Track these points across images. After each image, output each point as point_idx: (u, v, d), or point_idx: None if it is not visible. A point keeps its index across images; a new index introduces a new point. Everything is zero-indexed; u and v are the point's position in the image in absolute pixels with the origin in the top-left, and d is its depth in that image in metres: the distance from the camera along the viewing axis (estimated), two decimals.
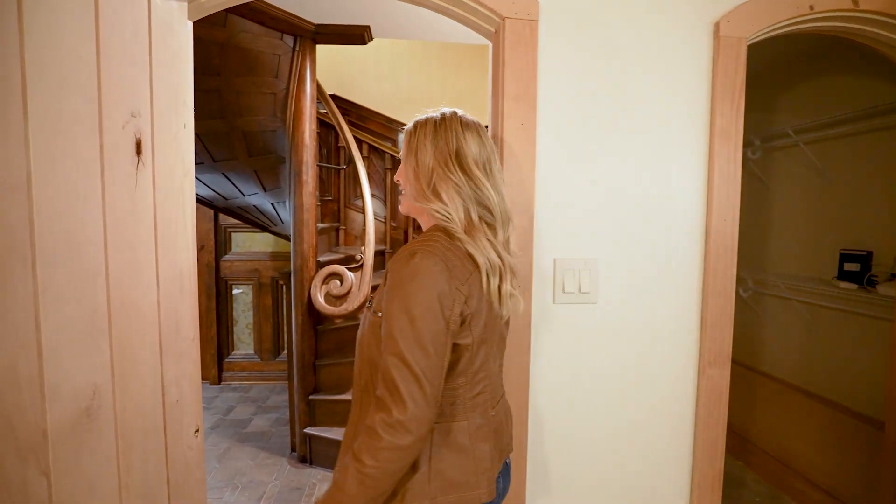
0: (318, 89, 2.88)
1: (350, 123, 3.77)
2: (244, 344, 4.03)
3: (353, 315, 2.63)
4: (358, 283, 2.58)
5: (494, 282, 0.85)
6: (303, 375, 2.64)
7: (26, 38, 0.71)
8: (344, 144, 3.89)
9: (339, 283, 2.59)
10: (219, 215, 3.87)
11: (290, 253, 2.71)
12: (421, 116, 0.92)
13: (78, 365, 0.81)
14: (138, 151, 0.94)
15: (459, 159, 0.86)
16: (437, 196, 0.85)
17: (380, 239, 3.79)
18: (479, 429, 0.86)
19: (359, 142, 3.72)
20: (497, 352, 0.93)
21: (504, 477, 0.95)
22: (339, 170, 3.87)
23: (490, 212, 0.88)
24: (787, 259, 2.36)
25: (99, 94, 0.82)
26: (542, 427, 1.29)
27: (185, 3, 1.08)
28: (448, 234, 0.85)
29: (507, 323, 0.99)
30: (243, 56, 2.37)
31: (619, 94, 1.26)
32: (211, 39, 2.29)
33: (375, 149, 3.82)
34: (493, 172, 0.90)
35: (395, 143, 4.05)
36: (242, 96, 2.46)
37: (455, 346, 0.82)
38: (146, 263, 0.97)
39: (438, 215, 0.85)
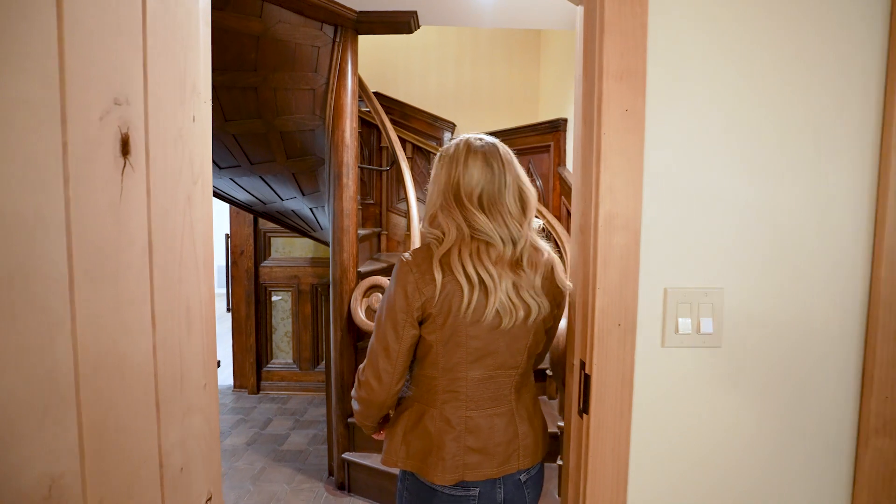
0: (360, 84, 2.67)
1: (392, 122, 3.55)
2: (283, 353, 3.90)
3: None
4: None
5: (475, 295, 0.95)
6: (341, 396, 2.42)
7: None
8: (387, 144, 3.69)
9: (381, 296, 2.36)
10: (258, 220, 3.75)
11: (329, 260, 2.52)
12: (444, 147, 1.05)
13: (27, 454, 0.56)
14: (125, 152, 0.70)
15: (457, 193, 0.98)
16: (435, 223, 1.00)
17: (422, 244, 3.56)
18: (446, 422, 0.99)
19: (402, 142, 3.49)
20: (488, 363, 1.01)
21: (511, 491, 1.05)
22: (381, 171, 3.66)
23: (484, 233, 0.97)
24: None
25: (61, 73, 0.58)
26: None
27: None
28: (429, 249, 0.98)
29: (530, 338, 1.05)
30: (281, 49, 2.18)
31: (759, 78, 0.93)
32: (246, 31, 2.11)
33: (419, 149, 3.59)
34: (494, 197, 0.99)
35: (440, 142, 3.80)
36: (280, 93, 2.27)
37: (423, 339, 0.99)
38: (135, 299, 0.73)
39: (430, 237, 1.00)
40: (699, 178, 0.96)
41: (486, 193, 0.99)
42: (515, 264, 0.99)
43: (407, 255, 0.99)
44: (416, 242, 2.50)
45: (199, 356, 0.88)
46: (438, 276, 0.94)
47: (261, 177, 2.68)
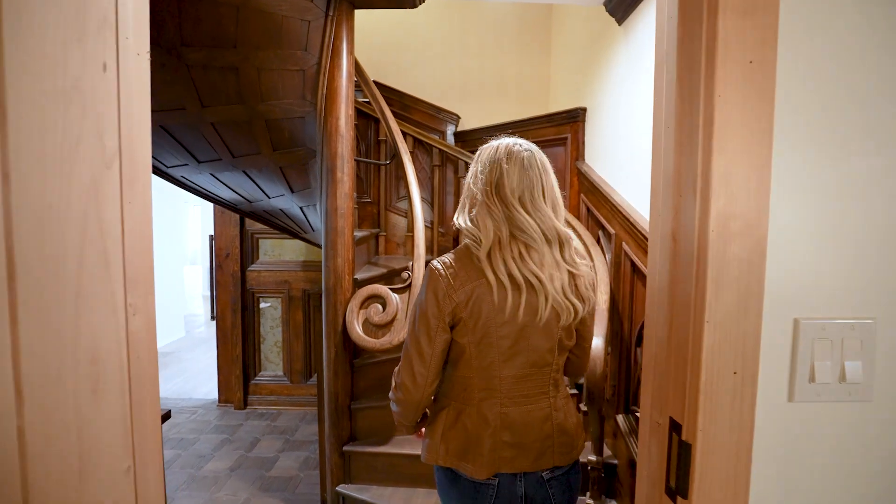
0: (357, 67, 2.38)
1: (392, 114, 3.25)
2: (272, 364, 3.59)
3: (398, 349, 2.10)
4: (404, 309, 2.05)
5: (514, 296, 0.97)
6: (335, 421, 2.13)
7: None
8: (386, 137, 3.39)
9: (380, 307, 2.07)
10: (245, 220, 3.44)
11: (321, 264, 2.22)
12: (485, 145, 1.06)
13: None
14: None
15: (499, 190, 0.99)
16: (472, 218, 1.03)
17: (426, 248, 3.27)
18: (483, 420, 1.03)
19: (402, 135, 3.20)
20: (521, 361, 1.02)
21: (532, 487, 1.06)
22: (379, 166, 3.36)
23: (525, 232, 0.98)
24: None
25: None
26: None
27: None
28: (468, 251, 1.02)
29: (561, 334, 1.04)
30: (265, 23, 1.88)
31: None
32: (224, 0, 1.80)
33: (421, 142, 3.29)
34: (534, 199, 0.99)
35: (443, 135, 3.51)
36: (264, 74, 1.97)
37: (455, 342, 1.03)
38: None
39: (469, 235, 1.02)
40: (850, 170, 0.67)
41: (528, 194, 0.99)
42: (559, 264, 1.00)
43: (439, 261, 1.02)
44: (418, 245, 2.21)
45: (119, 427, 0.59)
46: (490, 280, 0.97)
47: (244, 171, 2.38)
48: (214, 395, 3.63)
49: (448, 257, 1.02)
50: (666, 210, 0.74)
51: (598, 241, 2.32)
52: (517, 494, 1.05)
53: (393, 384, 1.09)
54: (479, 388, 1.03)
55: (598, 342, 1.57)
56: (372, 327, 2.05)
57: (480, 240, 0.99)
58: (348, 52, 2.04)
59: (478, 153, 1.06)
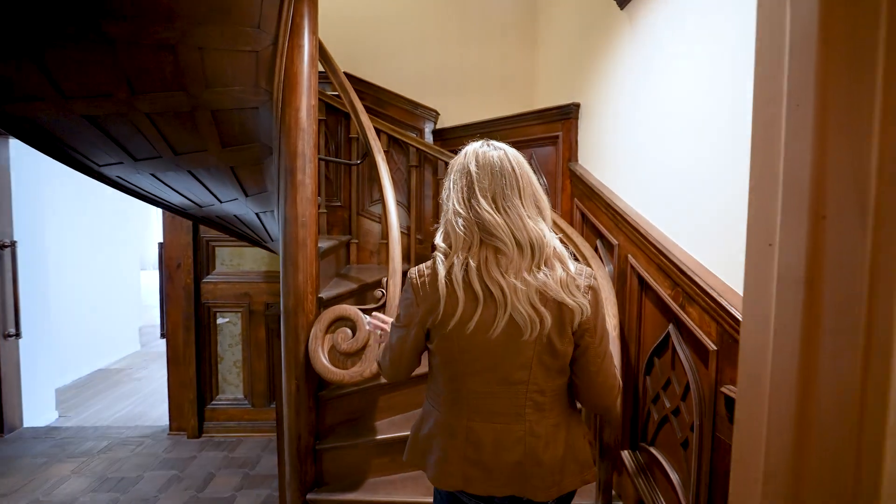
0: (321, 51, 2.07)
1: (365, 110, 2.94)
2: (231, 386, 3.22)
3: (372, 381, 1.80)
4: (379, 333, 1.75)
5: (470, 307, 0.93)
6: (297, 465, 1.81)
7: None
8: (357, 134, 3.08)
9: (349, 332, 1.76)
10: (199, 226, 3.07)
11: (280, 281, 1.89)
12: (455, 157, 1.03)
13: None
14: None
15: (469, 195, 0.95)
16: (447, 236, 0.97)
17: (402, 256, 2.97)
18: (446, 428, 1.01)
19: (376, 132, 2.89)
20: (488, 378, 0.97)
21: None
22: (351, 167, 3.04)
23: (494, 236, 0.92)
24: None
25: None
26: None
27: None
28: (433, 266, 0.98)
29: (539, 350, 0.95)
30: None
31: None
32: None
33: (396, 140, 3.00)
34: (507, 199, 0.94)
35: (421, 133, 3.22)
36: (209, 55, 1.64)
37: (429, 350, 1.03)
38: None
39: (438, 252, 0.97)
40: None
41: (500, 195, 0.94)
42: (529, 270, 0.93)
43: (416, 268, 1.01)
44: (394, 258, 1.91)
45: None
46: (440, 293, 0.94)
47: (190, 172, 2.03)
48: (165, 421, 3.24)
49: (427, 264, 1.00)
50: (788, 237, 0.47)
51: (596, 251, 2.07)
52: None
53: (380, 356, 1.14)
54: (447, 399, 1.02)
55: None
56: (340, 356, 1.74)
57: (449, 252, 0.95)
58: (310, 31, 1.73)
59: (449, 167, 1.02)
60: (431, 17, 3.34)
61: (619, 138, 1.98)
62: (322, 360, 1.72)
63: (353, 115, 2.19)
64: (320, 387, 1.89)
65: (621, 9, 1.91)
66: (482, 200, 0.93)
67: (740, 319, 1.17)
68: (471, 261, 0.93)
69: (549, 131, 2.52)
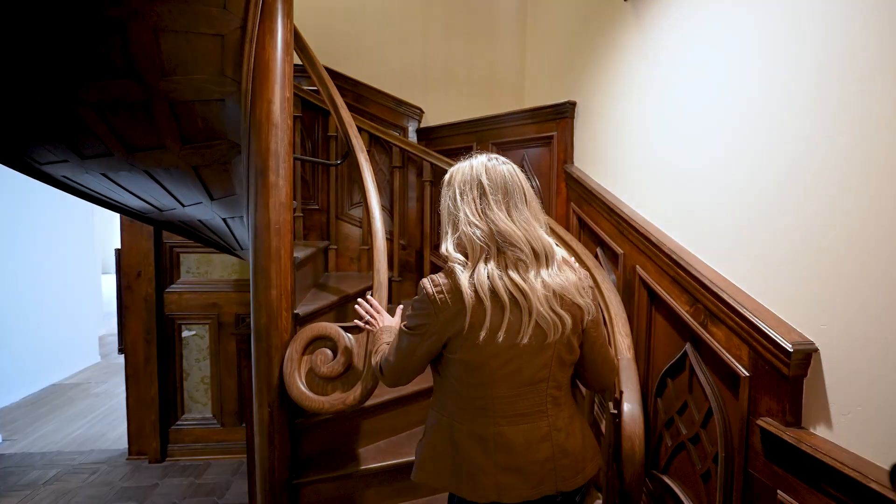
0: (297, 38, 1.87)
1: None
2: (199, 405, 2.97)
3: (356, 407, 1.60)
4: (362, 354, 1.56)
5: (497, 314, 0.93)
6: (271, 503, 1.60)
7: None
8: (336, 133, 2.87)
9: (329, 353, 1.57)
10: (162, 231, 2.81)
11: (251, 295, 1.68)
12: (455, 167, 1.05)
13: None
14: None
15: (484, 205, 0.97)
16: (460, 244, 0.98)
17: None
18: (476, 438, 1.00)
19: (357, 130, 2.69)
20: (514, 381, 0.98)
21: None
22: (329, 167, 2.84)
23: (514, 246, 0.95)
24: None
25: None
26: None
27: None
28: (453, 275, 0.96)
29: (559, 349, 1.00)
30: None
31: None
32: None
33: (378, 139, 2.81)
34: (520, 211, 0.98)
35: (404, 131, 3.03)
36: (166, 38, 1.43)
37: (446, 358, 1.01)
38: None
39: (456, 261, 0.97)
40: None
41: (514, 207, 0.98)
42: (545, 276, 0.96)
43: (430, 281, 0.98)
44: (379, 265, 1.72)
45: None
46: (466, 303, 0.93)
47: (147, 172, 1.80)
48: (124, 444, 2.96)
49: (440, 275, 0.99)
50: None
51: (596, 259, 1.93)
52: None
53: (377, 358, 1.13)
54: (471, 407, 1.01)
55: (631, 408, 1.16)
56: (319, 380, 1.55)
57: (467, 262, 0.96)
58: (285, 13, 1.53)
59: (448, 177, 1.04)
60: (415, 10, 3.15)
61: (622, 139, 1.84)
62: (299, 385, 1.52)
63: (332, 111, 1.99)
64: (297, 413, 1.68)
65: (625, 0, 1.77)
66: (498, 212, 0.96)
67: (781, 343, 1.04)
68: (492, 269, 0.94)
69: (543, 131, 2.37)
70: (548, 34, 2.77)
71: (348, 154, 1.90)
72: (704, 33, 1.39)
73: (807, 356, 1.00)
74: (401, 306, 1.41)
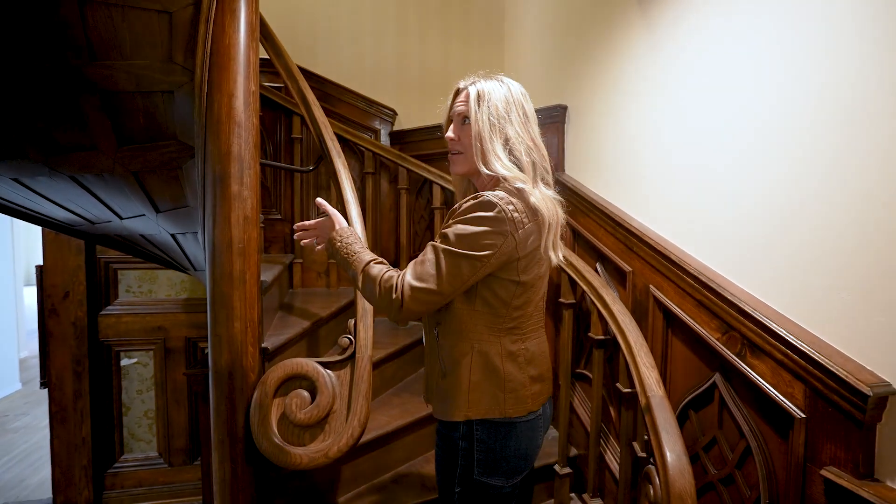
0: (262, 26, 1.61)
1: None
2: (141, 443, 2.59)
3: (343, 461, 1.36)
4: (345, 395, 1.32)
5: (549, 228, 0.98)
6: None
7: None
8: (301, 134, 2.60)
9: (306, 395, 1.32)
10: (95, 245, 2.43)
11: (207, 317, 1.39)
12: (483, 85, 1.02)
13: None
14: None
15: (530, 125, 1.02)
16: (512, 158, 0.99)
17: None
18: (510, 356, 1.03)
19: None
20: (539, 295, 1.07)
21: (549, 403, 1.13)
22: (294, 173, 2.56)
23: (545, 168, 1.03)
24: None
25: None
26: None
27: None
28: (516, 188, 0.97)
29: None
30: None
31: None
32: None
33: (348, 143, 2.56)
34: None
35: (376, 135, 2.80)
36: (95, 12, 1.14)
37: (498, 279, 0.98)
38: None
39: (517, 178, 0.97)
40: None
41: (539, 130, 1.05)
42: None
43: (496, 197, 0.93)
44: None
45: None
46: (545, 219, 0.97)
47: (74, 179, 1.48)
48: (48, 493, 2.53)
49: (506, 195, 0.94)
50: None
51: (596, 274, 1.78)
52: (547, 416, 1.13)
53: (388, 285, 0.97)
54: (505, 327, 1.02)
55: (678, 460, 1.00)
56: (295, 428, 1.29)
57: (527, 178, 0.98)
58: None
59: (478, 92, 1.01)
60: (389, 8, 2.93)
61: (627, 146, 1.71)
62: (270, 436, 1.26)
63: (304, 111, 1.74)
64: (267, 467, 1.42)
65: None
66: (535, 135, 1.02)
67: (852, 384, 0.90)
68: (542, 188, 1.00)
69: None
70: (530, 35, 2.63)
71: (322, 159, 1.66)
72: (725, 34, 1.27)
73: (882, 399, 0.88)
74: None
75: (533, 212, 0.94)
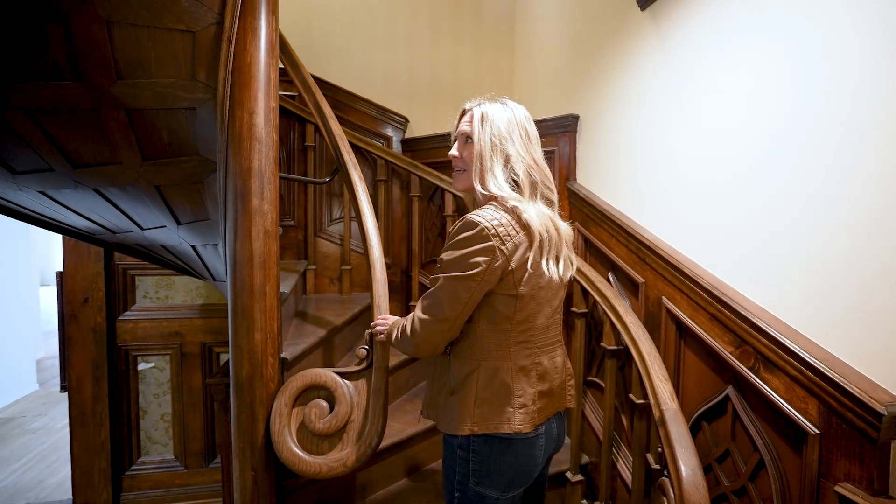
0: (281, 42, 1.64)
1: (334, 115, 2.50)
2: (158, 446, 2.64)
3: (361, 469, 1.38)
4: (362, 405, 1.35)
5: (547, 244, 1.02)
6: None
7: None
8: (315, 142, 2.63)
9: (325, 405, 1.35)
10: (113, 252, 2.48)
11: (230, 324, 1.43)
12: (485, 107, 1.08)
13: None
14: None
15: (531, 146, 1.06)
16: (509, 177, 1.04)
17: (366, 283, 2.53)
18: (521, 371, 1.05)
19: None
20: (548, 309, 1.09)
21: (555, 420, 1.15)
22: (308, 184, 2.59)
23: (547, 187, 1.07)
24: None
25: None
26: None
27: None
28: (507, 205, 1.01)
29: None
30: None
31: None
32: None
33: (360, 150, 2.59)
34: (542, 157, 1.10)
35: (388, 142, 2.83)
36: (121, 32, 1.17)
37: (497, 295, 1.01)
38: None
39: (512, 197, 1.01)
40: None
41: (540, 152, 1.10)
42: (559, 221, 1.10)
43: (481, 217, 0.98)
44: (380, 301, 1.52)
45: None
46: (535, 232, 0.99)
47: (98, 191, 1.52)
48: (68, 495, 2.59)
49: (489, 212, 1.00)
50: None
51: (609, 284, 1.80)
52: (552, 435, 1.14)
53: (408, 330, 1.08)
54: (516, 341, 1.05)
55: (693, 475, 1.01)
56: (314, 437, 1.32)
57: (521, 197, 1.01)
58: (269, 9, 1.31)
59: (482, 113, 1.06)
60: (400, 13, 2.96)
61: (639, 157, 1.72)
62: (290, 445, 1.29)
63: (320, 123, 1.77)
64: (286, 474, 1.45)
65: (642, 10, 1.65)
66: (537, 156, 1.06)
67: (866, 402, 0.92)
68: (541, 205, 1.04)
69: (544, 146, 2.23)
70: (541, 43, 2.64)
71: (338, 171, 1.69)
72: (745, 42, 1.28)
73: None
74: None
75: (524, 226, 0.99)
